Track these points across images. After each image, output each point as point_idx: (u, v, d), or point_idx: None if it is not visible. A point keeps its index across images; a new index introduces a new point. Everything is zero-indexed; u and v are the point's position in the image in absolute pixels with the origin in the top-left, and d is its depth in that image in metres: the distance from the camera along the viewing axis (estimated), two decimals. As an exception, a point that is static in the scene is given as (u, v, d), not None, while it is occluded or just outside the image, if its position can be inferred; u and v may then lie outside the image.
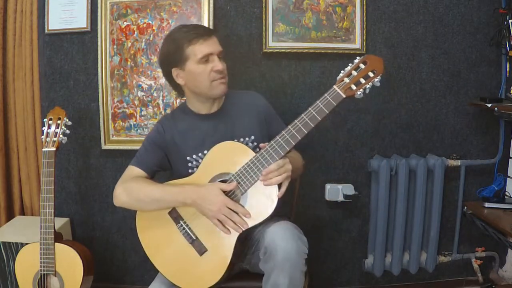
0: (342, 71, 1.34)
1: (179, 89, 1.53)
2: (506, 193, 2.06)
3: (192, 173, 1.46)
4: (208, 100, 1.50)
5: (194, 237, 1.36)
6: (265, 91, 1.90)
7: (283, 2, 1.96)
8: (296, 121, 1.32)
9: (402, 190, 1.99)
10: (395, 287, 2.19)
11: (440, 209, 2.03)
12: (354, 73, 1.32)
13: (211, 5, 1.95)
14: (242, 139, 1.48)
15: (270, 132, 1.53)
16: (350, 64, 1.34)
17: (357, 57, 1.34)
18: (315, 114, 1.31)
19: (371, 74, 1.31)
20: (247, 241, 1.43)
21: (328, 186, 2.04)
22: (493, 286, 2.07)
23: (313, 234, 2.08)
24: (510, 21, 1.89)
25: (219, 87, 1.44)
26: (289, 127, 1.32)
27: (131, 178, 1.46)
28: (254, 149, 1.43)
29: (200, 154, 1.48)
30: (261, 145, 1.35)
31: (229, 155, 1.38)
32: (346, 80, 1.32)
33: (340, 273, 2.19)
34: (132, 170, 1.50)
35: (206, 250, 1.34)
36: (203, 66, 1.41)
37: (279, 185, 1.31)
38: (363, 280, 2.19)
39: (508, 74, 2.01)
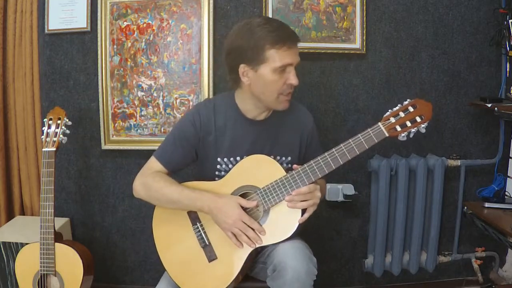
0: (390, 110, 1.30)
1: (236, 81, 1.38)
2: (506, 193, 2.06)
3: (218, 176, 1.43)
4: (264, 108, 1.41)
5: (207, 242, 1.35)
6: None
7: (283, 2, 1.96)
8: (334, 149, 1.29)
9: (402, 190, 1.99)
10: (395, 287, 2.19)
11: (440, 209, 2.03)
12: (402, 114, 1.28)
13: (211, 5, 1.95)
14: (278, 157, 1.42)
15: (306, 151, 1.49)
16: (399, 105, 1.30)
17: (407, 100, 1.30)
18: (354, 147, 1.27)
19: (418, 119, 1.27)
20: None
21: (328, 186, 2.03)
22: (493, 286, 2.07)
23: (313, 234, 2.08)
24: (510, 21, 1.89)
25: (284, 102, 1.36)
26: (326, 154, 1.29)
27: (151, 173, 1.40)
28: (286, 170, 1.38)
29: (231, 159, 1.41)
30: (294, 166, 1.31)
31: (260, 169, 1.34)
32: (392, 119, 1.28)
33: (340, 273, 2.19)
34: (154, 164, 1.43)
35: (215, 258, 1.33)
36: (278, 75, 1.30)
37: (303, 210, 1.30)
38: (363, 280, 2.19)
39: (508, 74, 2.01)
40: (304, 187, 1.28)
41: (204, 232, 1.36)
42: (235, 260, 1.31)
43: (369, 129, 1.28)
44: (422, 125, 1.27)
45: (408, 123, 1.27)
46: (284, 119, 1.46)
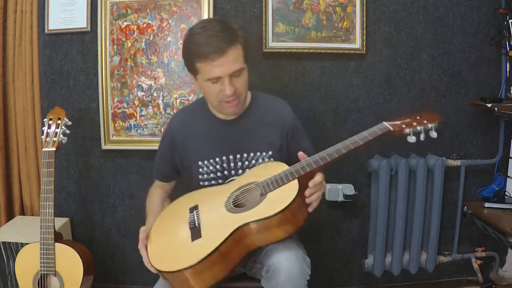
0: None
1: None
2: (506, 193, 2.06)
3: (201, 179, 1.44)
4: None
5: (196, 224, 1.29)
6: (265, 91, 1.90)
7: (283, 2, 1.96)
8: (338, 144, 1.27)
9: (402, 190, 1.99)
10: (395, 287, 2.19)
11: (440, 209, 2.03)
12: (407, 119, 1.27)
13: (211, 5, 1.95)
14: (258, 153, 1.42)
15: (289, 145, 1.47)
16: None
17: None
18: (358, 140, 1.25)
19: (424, 121, 1.25)
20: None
21: (328, 186, 2.04)
22: (493, 286, 2.07)
23: (313, 234, 2.08)
24: (510, 21, 1.89)
25: (228, 109, 1.36)
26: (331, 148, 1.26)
27: (154, 185, 1.58)
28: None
29: (211, 161, 1.42)
30: (300, 154, 1.27)
31: (265, 170, 1.33)
32: (397, 122, 1.27)
33: (340, 273, 2.19)
34: (155, 179, 1.59)
35: (199, 237, 1.25)
36: (212, 86, 1.31)
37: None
38: (363, 280, 2.19)
39: (508, 74, 2.01)
40: (317, 176, 1.23)
41: (198, 216, 1.32)
42: (215, 238, 1.20)
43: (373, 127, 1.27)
44: (429, 125, 1.24)
45: (414, 123, 1.25)
46: (261, 115, 1.45)
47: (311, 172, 1.24)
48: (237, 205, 1.31)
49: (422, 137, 1.24)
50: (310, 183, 1.23)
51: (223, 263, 1.18)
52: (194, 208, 1.36)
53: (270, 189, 1.25)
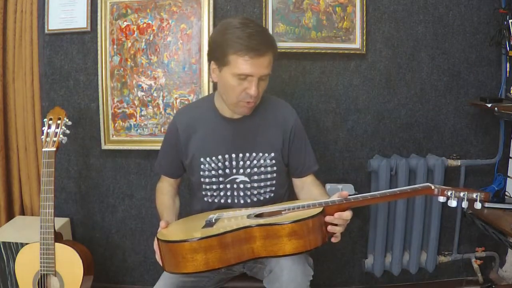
0: None
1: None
2: (506, 193, 2.06)
3: (202, 176, 1.43)
4: None
5: (213, 220, 1.28)
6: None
7: (283, 2, 1.96)
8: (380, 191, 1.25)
9: (402, 190, 1.99)
10: (395, 287, 2.19)
11: (440, 209, 2.03)
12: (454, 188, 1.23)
13: (211, 5, 1.95)
14: (261, 154, 1.42)
15: (290, 147, 1.47)
16: None
17: None
18: (397, 191, 1.22)
19: (470, 190, 1.20)
20: None
21: (328, 186, 2.04)
22: (493, 286, 2.07)
23: (313, 234, 2.08)
24: (510, 21, 1.89)
25: (243, 109, 1.37)
26: (370, 193, 1.24)
27: (160, 181, 1.59)
28: (271, 166, 1.42)
29: (214, 158, 1.43)
30: (344, 193, 1.25)
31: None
32: (443, 186, 1.23)
33: (340, 273, 2.19)
34: (161, 174, 1.59)
35: (210, 227, 1.24)
36: (238, 82, 1.30)
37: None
38: (363, 280, 2.19)
39: (508, 74, 2.01)
40: (347, 211, 1.21)
41: (217, 217, 1.31)
42: (223, 229, 1.19)
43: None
44: (475, 194, 1.18)
45: (459, 189, 1.20)
46: (265, 116, 1.46)
47: (340, 207, 1.21)
48: (258, 216, 1.29)
49: (464, 204, 1.18)
50: (336, 214, 1.20)
51: (220, 252, 1.14)
52: (218, 214, 1.37)
53: (294, 209, 1.24)
